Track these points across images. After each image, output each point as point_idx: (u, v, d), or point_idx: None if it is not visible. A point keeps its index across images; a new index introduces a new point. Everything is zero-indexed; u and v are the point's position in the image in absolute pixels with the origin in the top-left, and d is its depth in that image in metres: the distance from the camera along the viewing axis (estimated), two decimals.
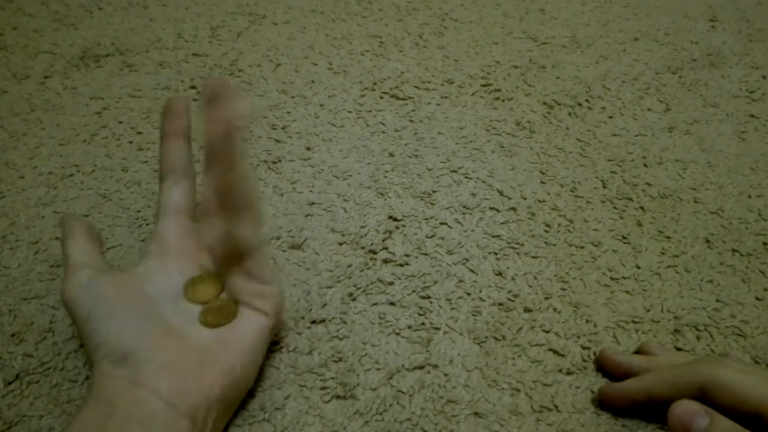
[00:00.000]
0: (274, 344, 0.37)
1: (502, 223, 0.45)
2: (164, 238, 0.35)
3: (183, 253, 0.35)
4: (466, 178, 0.49)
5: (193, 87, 0.57)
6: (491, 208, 0.46)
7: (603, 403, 0.34)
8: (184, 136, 0.37)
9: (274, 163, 0.49)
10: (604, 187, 0.48)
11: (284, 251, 0.43)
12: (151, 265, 0.34)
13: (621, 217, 0.46)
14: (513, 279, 0.41)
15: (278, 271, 0.39)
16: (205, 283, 0.34)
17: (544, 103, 0.57)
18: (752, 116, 0.56)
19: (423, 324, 0.39)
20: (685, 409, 0.28)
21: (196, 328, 0.32)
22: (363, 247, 0.43)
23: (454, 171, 0.49)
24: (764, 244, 0.44)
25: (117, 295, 0.31)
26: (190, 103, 0.37)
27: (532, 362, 0.37)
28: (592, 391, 0.35)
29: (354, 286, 0.41)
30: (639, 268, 0.42)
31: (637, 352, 0.37)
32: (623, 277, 0.42)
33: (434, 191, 0.47)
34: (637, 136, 0.53)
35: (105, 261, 0.34)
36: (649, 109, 0.56)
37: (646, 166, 0.50)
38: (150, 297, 0.32)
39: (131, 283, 0.32)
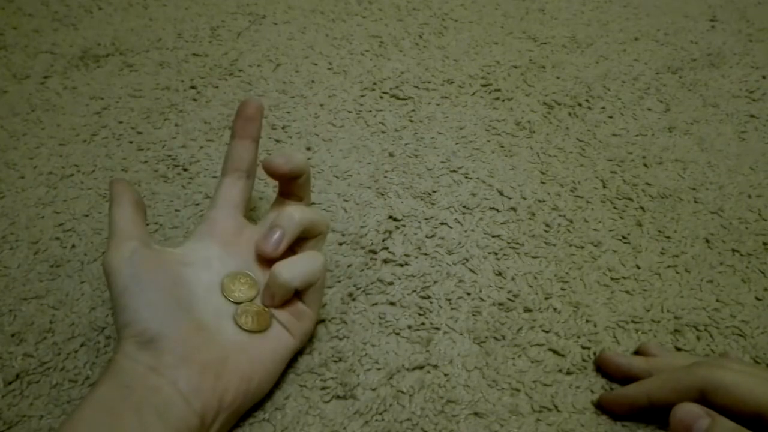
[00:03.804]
0: None
1: (502, 223, 0.45)
2: (216, 224, 0.36)
3: (229, 244, 0.36)
4: (466, 178, 0.49)
5: (193, 87, 0.57)
6: (491, 208, 0.46)
7: (604, 409, 0.34)
8: (254, 140, 0.38)
9: None
10: (604, 187, 0.48)
11: None
12: (194, 248, 0.35)
13: (621, 217, 0.46)
14: (513, 279, 0.41)
15: (323, 298, 0.38)
16: (242, 283, 0.34)
17: (544, 103, 0.57)
18: (752, 116, 0.56)
19: (423, 324, 0.39)
20: (686, 411, 0.28)
21: (224, 326, 0.32)
22: (363, 247, 0.43)
23: (454, 171, 0.49)
24: (764, 244, 0.44)
25: (156, 275, 0.31)
26: (262, 107, 0.39)
27: (532, 362, 0.37)
28: (592, 391, 0.35)
29: (354, 286, 0.41)
30: (639, 268, 0.42)
31: (637, 352, 0.37)
32: (623, 277, 0.42)
33: (434, 191, 0.47)
34: (637, 136, 0.53)
35: (148, 233, 0.35)
36: (649, 109, 0.56)
37: (646, 166, 0.50)
38: (187, 284, 0.32)
39: (172, 264, 0.33)
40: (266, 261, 0.35)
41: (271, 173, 0.36)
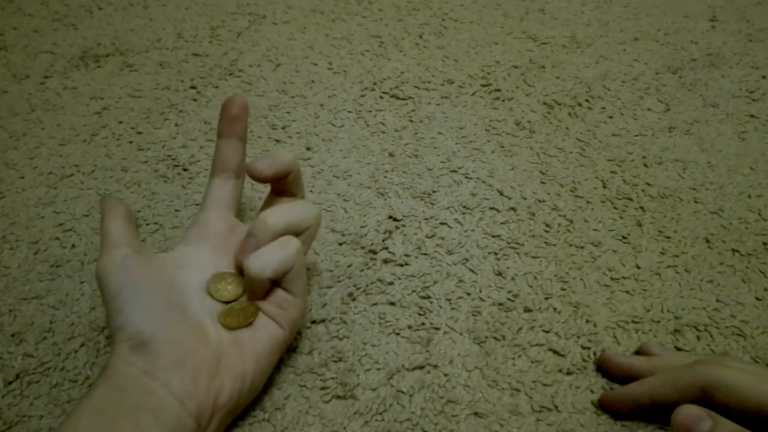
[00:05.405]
0: None
1: (502, 223, 0.45)
2: (207, 226, 0.36)
3: (221, 245, 0.36)
4: (466, 178, 0.49)
5: (193, 87, 0.57)
6: (491, 208, 0.46)
7: (606, 409, 0.34)
8: (240, 139, 0.38)
9: None
10: (604, 187, 0.48)
11: None
12: (187, 251, 0.35)
13: (621, 217, 0.46)
14: (513, 279, 0.41)
15: (309, 287, 0.38)
16: (228, 282, 0.34)
17: (544, 103, 0.57)
18: (752, 116, 0.56)
19: (423, 324, 0.39)
20: (687, 413, 0.28)
21: (217, 327, 0.32)
22: (363, 247, 0.43)
23: (454, 171, 0.49)
24: (764, 244, 0.44)
25: (149, 279, 0.31)
26: (247, 104, 0.38)
27: (532, 362, 0.37)
28: (592, 391, 0.35)
29: (354, 286, 0.41)
30: (639, 268, 0.42)
31: (637, 352, 0.37)
32: (623, 277, 0.42)
33: (434, 191, 0.47)
34: (637, 136, 0.53)
35: (141, 242, 0.35)
36: (649, 109, 0.56)
37: (646, 166, 0.50)
38: (180, 286, 0.32)
39: (165, 268, 0.33)
40: None
41: (255, 178, 0.35)
